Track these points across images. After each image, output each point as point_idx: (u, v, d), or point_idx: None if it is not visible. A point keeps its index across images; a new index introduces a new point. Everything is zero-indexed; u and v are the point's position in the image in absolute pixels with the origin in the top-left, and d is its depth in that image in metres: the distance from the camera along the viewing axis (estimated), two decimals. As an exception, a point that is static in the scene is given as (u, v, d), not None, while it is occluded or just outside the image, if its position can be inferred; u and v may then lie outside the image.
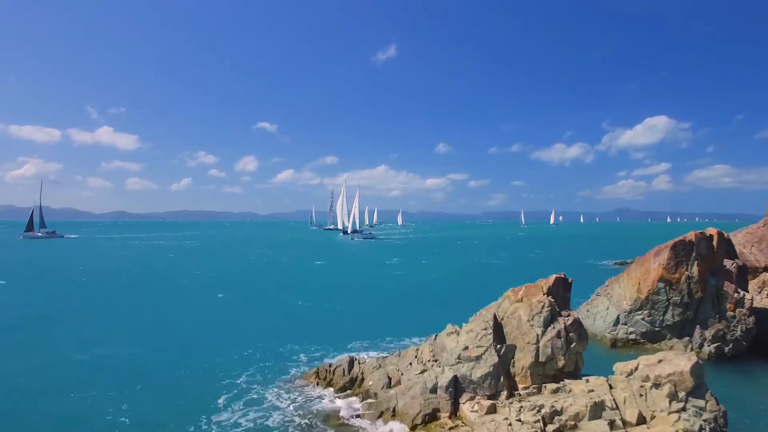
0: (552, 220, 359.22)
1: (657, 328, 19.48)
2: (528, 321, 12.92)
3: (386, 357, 16.20)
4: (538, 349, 12.41)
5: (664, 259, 19.19)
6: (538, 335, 12.54)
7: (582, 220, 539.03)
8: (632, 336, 19.99)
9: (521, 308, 13.36)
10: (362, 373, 15.05)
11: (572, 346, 12.28)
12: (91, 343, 20.99)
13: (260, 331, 23.15)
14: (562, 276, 13.49)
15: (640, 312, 19.86)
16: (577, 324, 12.48)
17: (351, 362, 15.57)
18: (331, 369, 15.55)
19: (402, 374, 13.83)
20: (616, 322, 20.57)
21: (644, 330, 19.72)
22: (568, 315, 12.68)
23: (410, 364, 14.28)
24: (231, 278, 42.19)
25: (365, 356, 18.34)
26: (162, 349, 20.08)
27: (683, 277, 18.87)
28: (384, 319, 25.86)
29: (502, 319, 13.71)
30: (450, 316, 26.09)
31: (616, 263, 55.96)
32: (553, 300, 12.79)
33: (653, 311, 19.53)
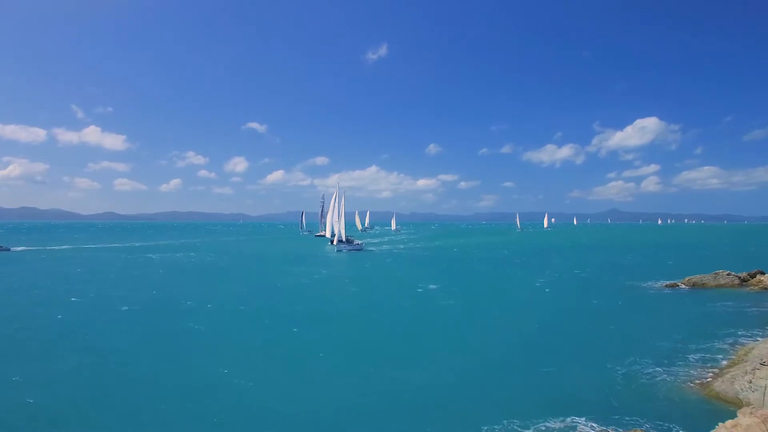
0: (546, 224, 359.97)
1: None
2: None
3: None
4: None
5: None
6: None
7: (575, 222, 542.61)
8: (830, 425, 16.33)
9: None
10: None
11: None
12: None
13: (360, 412, 18.06)
14: None
15: None
16: None
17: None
18: None
19: None
20: (804, 404, 16.91)
21: None
22: None
23: None
24: (270, 322, 36.92)
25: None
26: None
27: None
28: (487, 384, 20.93)
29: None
30: (562, 381, 18.71)
31: (666, 285, 51.99)
32: None
33: None
